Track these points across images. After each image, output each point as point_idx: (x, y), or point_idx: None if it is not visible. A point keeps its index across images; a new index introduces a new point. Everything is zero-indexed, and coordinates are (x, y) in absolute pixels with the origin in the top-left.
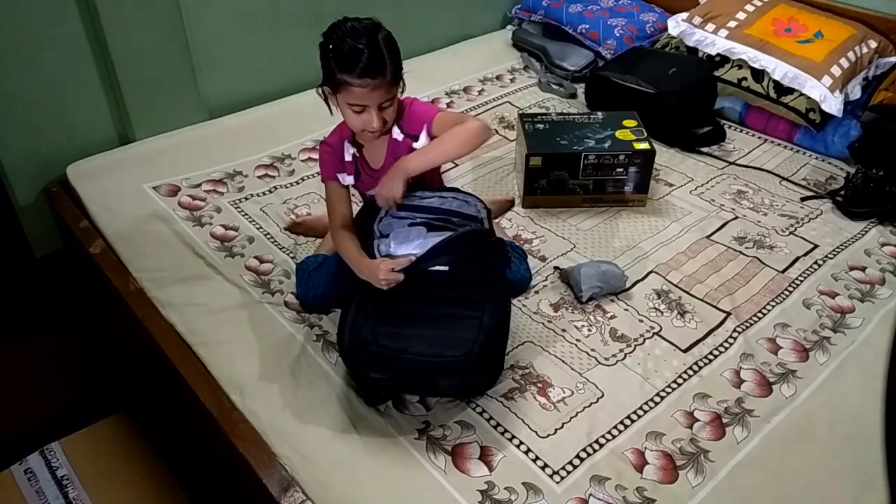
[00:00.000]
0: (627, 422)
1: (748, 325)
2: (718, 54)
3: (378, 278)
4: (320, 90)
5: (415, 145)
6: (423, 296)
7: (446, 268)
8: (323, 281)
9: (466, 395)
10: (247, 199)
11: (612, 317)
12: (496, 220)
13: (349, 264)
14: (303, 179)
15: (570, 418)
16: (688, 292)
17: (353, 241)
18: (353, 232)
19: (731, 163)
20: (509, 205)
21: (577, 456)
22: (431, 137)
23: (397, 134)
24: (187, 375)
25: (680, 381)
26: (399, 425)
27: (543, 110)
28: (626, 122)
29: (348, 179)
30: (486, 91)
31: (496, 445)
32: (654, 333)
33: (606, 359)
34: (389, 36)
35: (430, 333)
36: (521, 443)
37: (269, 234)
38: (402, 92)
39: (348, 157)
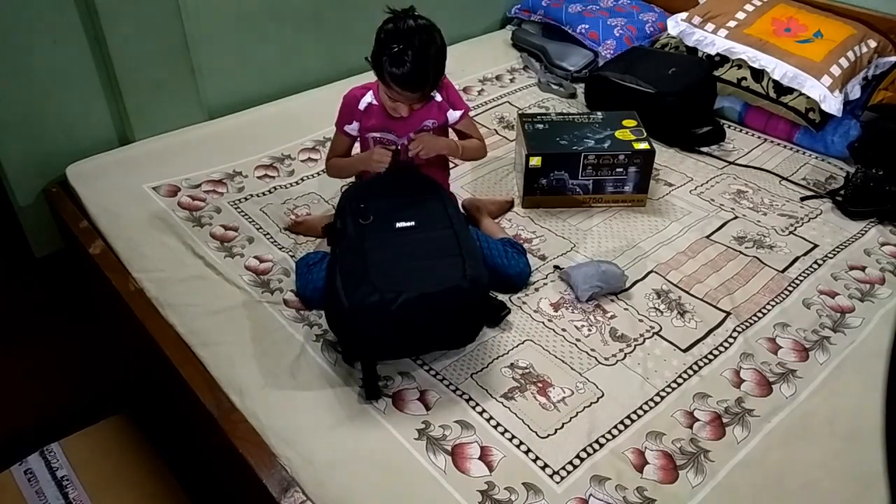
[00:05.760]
0: (627, 422)
1: (748, 324)
2: (718, 54)
3: (373, 159)
4: (368, 58)
5: (449, 113)
6: (399, 254)
7: (412, 223)
8: (322, 276)
9: (463, 333)
10: (246, 199)
11: (612, 316)
12: (496, 221)
13: (347, 167)
14: (302, 180)
15: (571, 418)
16: (688, 292)
17: (344, 159)
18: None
19: (730, 162)
20: (509, 205)
21: (578, 456)
22: (454, 124)
23: (438, 97)
24: (187, 376)
25: (680, 380)
26: (399, 425)
27: (543, 110)
28: (625, 122)
29: (354, 127)
30: (486, 91)
31: (496, 445)
32: (653, 333)
33: (606, 358)
34: (440, 50)
35: (419, 274)
36: (521, 443)
37: (268, 234)
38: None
39: (363, 106)
